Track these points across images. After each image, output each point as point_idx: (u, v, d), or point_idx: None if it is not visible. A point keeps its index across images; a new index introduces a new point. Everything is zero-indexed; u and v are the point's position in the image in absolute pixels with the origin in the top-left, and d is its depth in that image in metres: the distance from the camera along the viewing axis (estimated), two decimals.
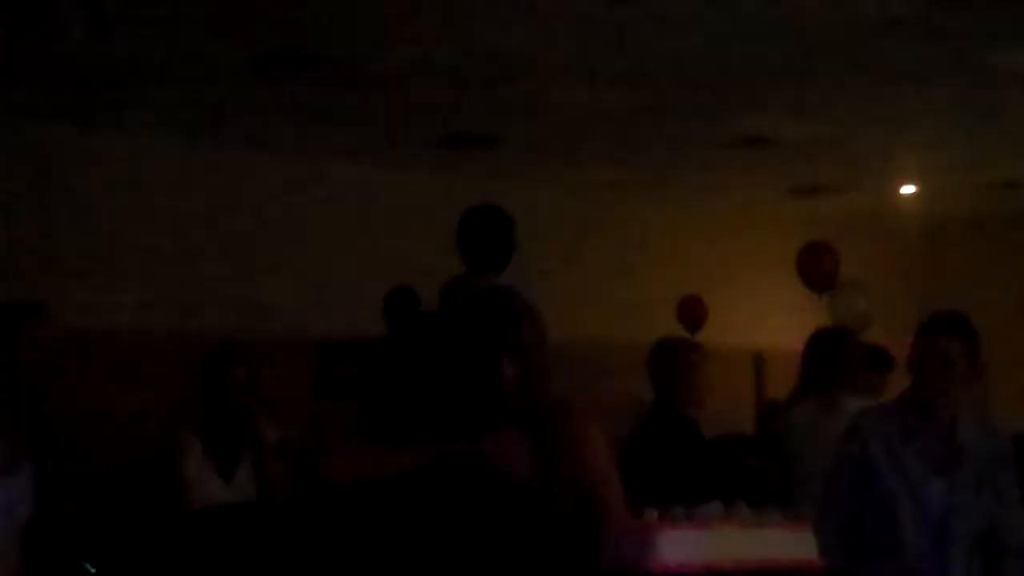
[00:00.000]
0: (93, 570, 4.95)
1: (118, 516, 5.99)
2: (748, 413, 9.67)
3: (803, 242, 8.57)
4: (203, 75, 6.61)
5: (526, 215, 7.06)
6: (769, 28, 5.97)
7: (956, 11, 5.65)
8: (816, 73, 6.77)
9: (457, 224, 5.99)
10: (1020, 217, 10.77)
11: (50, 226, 7.58)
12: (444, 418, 2.54)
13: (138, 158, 7.92)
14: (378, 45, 6.21)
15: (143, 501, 5.35)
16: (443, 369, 2.60)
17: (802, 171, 9.45)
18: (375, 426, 2.66)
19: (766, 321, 10.46)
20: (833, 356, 5.39)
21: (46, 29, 5.77)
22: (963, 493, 3.39)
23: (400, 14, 5.72)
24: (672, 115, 7.74)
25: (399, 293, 7.59)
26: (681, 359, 4.81)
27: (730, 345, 10.19)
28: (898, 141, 8.56)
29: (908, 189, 10.23)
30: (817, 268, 8.10)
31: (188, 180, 8.06)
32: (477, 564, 2.39)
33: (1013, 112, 7.61)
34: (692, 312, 9.68)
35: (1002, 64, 6.51)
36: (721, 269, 10.35)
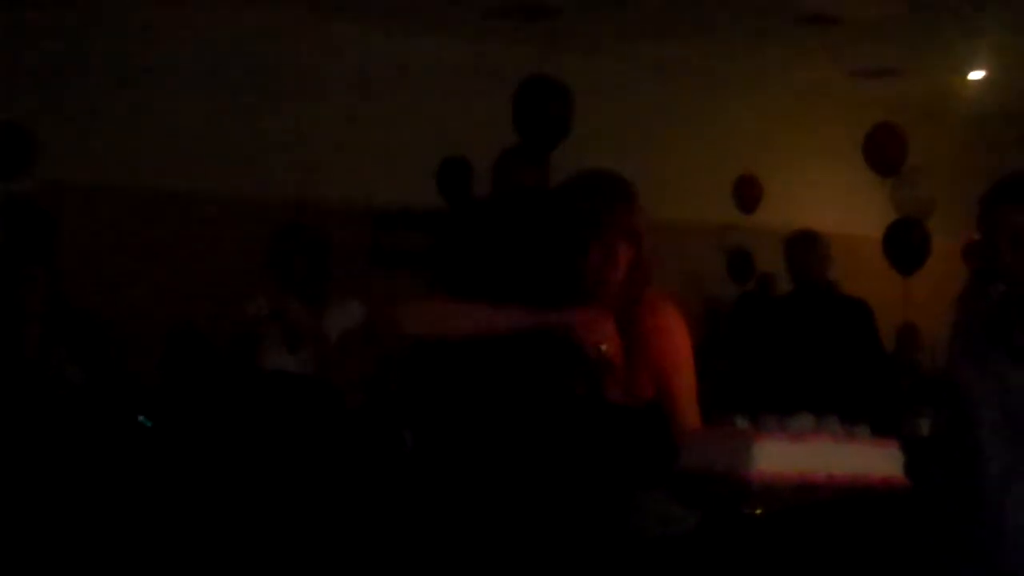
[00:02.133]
0: (149, 423, 5.09)
1: (172, 375, 6.14)
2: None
3: (864, 126, 8.43)
4: None
5: (578, 91, 7.00)
6: None
7: None
8: None
9: (513, 95, 5.93)
10: None
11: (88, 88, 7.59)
12: (537, 291, 2.48)
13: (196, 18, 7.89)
14: None
15: (197, 361, 5.45)
16: (546, 244, 2.51)
17: (868, 52, 9.23)
18: (457, 287, 2.62)
19: (825, 204, 10.34)
20: None
21: None
22: None
23: None
24: None
25: (452, 163, 7.58)
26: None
27: (783, 226, 10.12)
28: (968, 23, 8.32)
29: (976, 75, 9.97)
30: (885, 151, 7.99)
31: (240, 41, 8.01)
32: (553, 439, 2.42)
33: None
34: (747, 192, 9.60)
35: None
36: (779, 151, 10.21)
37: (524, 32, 8.43)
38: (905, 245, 8.17)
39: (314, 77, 8.23)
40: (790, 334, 5.50)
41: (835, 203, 10.29)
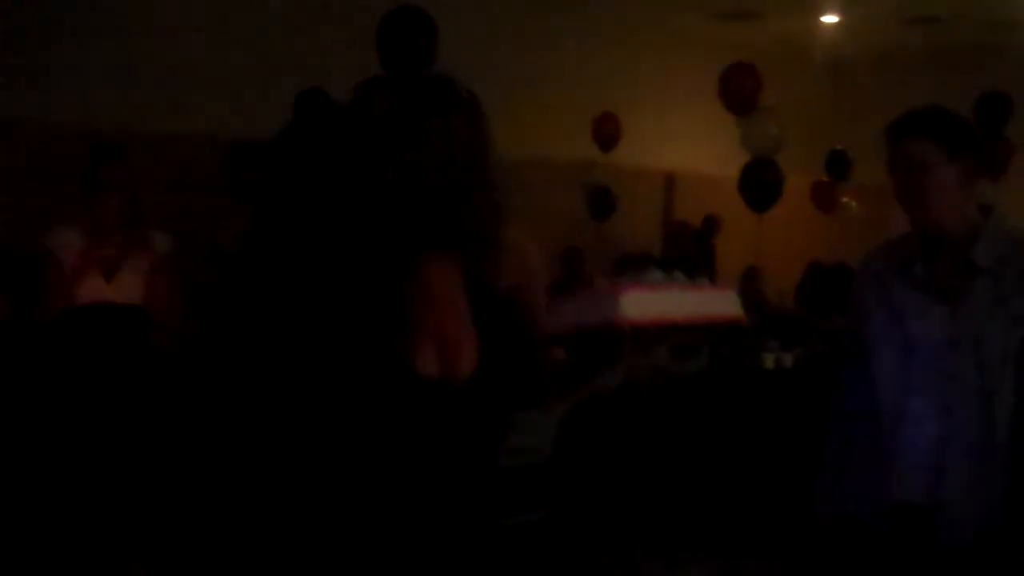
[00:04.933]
0: None
1: None
2: (656, 233, 9.80)
3: (722, 66, 8.56)
4: None
5: (441, 22, 6.92)
6: None
7: None
8: None
9: (378, 25, 5.82)
10: (937, 53, 10.84)
11: None
12: (356, 235, 2.03)
13: None
14: None
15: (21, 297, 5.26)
16: (353, 170, 2.03)
17: None
18: (271, 233, 2.19)
19: (679, 143, 10.51)
20: None
21: None
22: (970, 321, 2.68)
23: None
24: None
25: (310, 94, 7.44)
26: None
27: (642, 165, 10.27)
28: None
29: (830, 19, 10.21)
30: (739, 90, 8.13)
31: None
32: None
33: None
34: (607, 130, 9.69)
35: None
36: (640, 91, 10.31)
37: None
38: (759, 184, 8.37)
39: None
40: None
41: (693, 143, 10.47)
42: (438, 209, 1.97)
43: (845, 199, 10.74)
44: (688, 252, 9.11)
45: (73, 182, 4.59)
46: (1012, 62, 9.89)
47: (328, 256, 1.98)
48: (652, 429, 5.67)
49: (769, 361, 5.95)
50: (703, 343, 5.75)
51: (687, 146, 10.51)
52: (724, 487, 5.55)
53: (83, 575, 4.12)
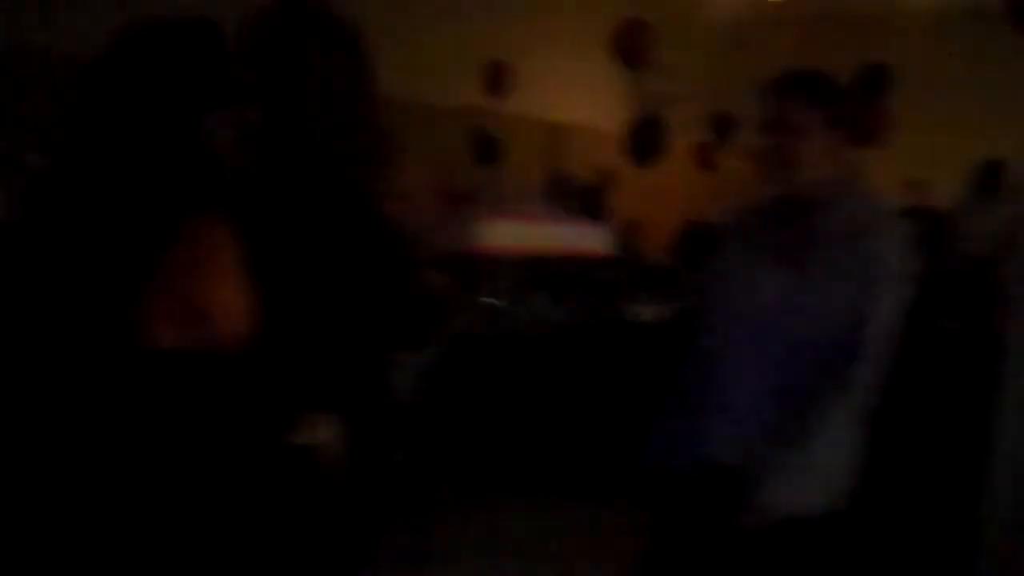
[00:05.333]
0: None
1: None
2: (541, 183, 9.80)
3: (615, 22, 8.54)
4: None
5: None
6: None
7: None
8: None
9: None
10: (826, 20, 11.00)
11: None
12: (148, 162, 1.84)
13: None
14: None
15: None
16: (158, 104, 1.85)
17: None
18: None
19: (568, 94, 10.49)
20: None
21: None
22: (808, 287, 2.59)
23: None
24: None
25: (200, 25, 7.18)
26: None
27: (530, 114, 10.23)
28: None
29: None
30: (631, 45, 8.12)
31: None
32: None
33: None
34: (496, 78, 9.61)
35: None
36: (531, 39, 10.23)
37: None
38: (645, 140, 8.41)
39: None
40: None
41: (582, 95, 10.46)
42: (213, 171, 1.85)
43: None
44: (573, 203, 9.16)
45: None
46: (898, 33, 10.09)
47: (91, 210, 1.82)
48: (521, 376, 5.69)
49: (638, 313, 5.99)
50: (576, 292, 5.79)
51: (576, 98, 10.49)
52: (585, 435, 5.61)
53: None
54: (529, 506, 5.27)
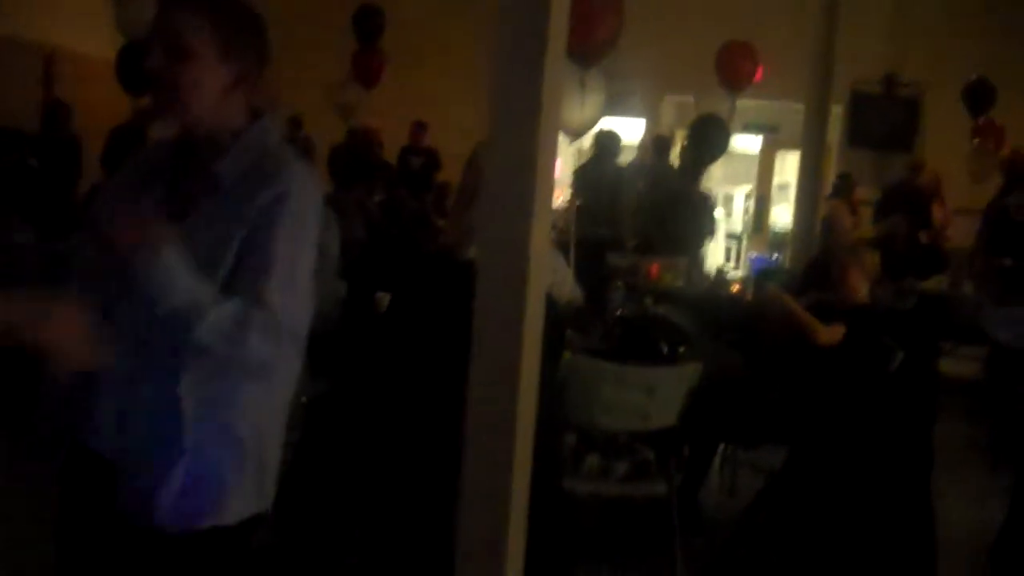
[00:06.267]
0: None
1: None
2: (33, 111, 9.37)
3: None
4: None
5: None
6: None
7: None
8: None
9: None
10: None
11: None
12: None
13: None
14: None
15: None
16: None
17: None
18: None
19: (58, 19, 10.06)
20: None
21: None
22: (190, 244, 2.03)
23: None
24: None
25: None
26: None
27: (21, 40, 9.71)
28: None
29: None
30: None
31: None
32: None
33: None
34: None
35: None
36: None
37: None
38: (134, 68, 8.21)
39: None
40: None
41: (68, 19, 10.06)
42: None
43: None
44: (64, 134, 8.82)
45: None
46: None
47: None
48: None
49: None
50: None
51: (66, 24, 10.09)
52: None
53: None
54: None
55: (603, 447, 4.18)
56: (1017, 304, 6.84)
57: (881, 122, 11.81)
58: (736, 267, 12.40)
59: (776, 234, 12.47)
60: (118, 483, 2.08)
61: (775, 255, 9.82)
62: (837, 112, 10.95)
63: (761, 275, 7.23)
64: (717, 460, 5.23)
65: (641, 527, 4.59)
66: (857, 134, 11.95)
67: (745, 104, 10.16)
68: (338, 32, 10.49)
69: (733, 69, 9.53)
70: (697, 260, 8.16)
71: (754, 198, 13.44)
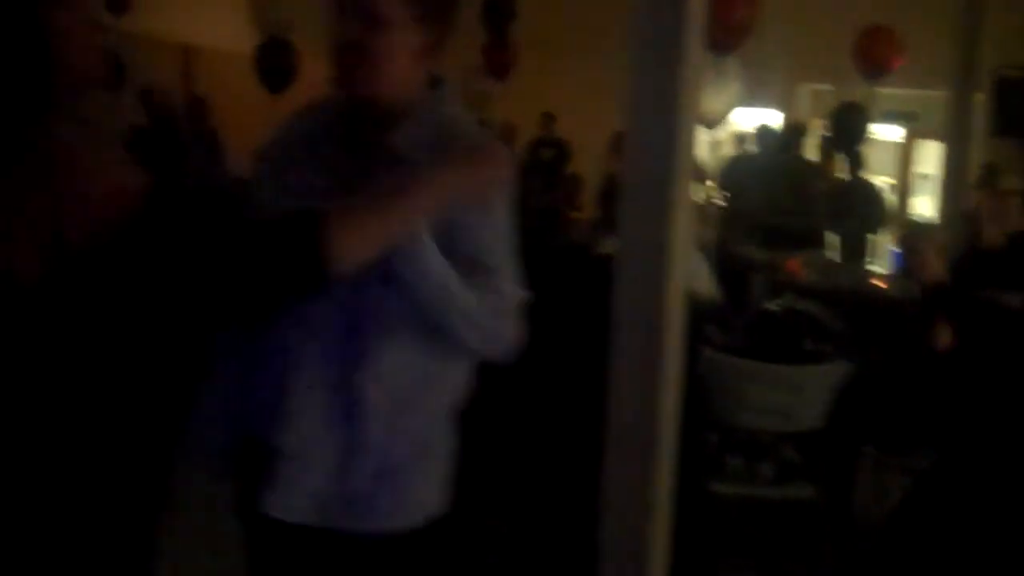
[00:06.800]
0: None
1: None
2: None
3: None
4: None
5: None
6: None
7: None
8: None
9: None
10: None
11: None
12: None
13: None
14: None
15: None
16: None
17: None
18: None
19: (197, 15, 10.24)
20: None
21: None
22: None
23: None
24: None
25: None
26: None
27: (157, 36, 9.91)
28: None
29: None
30: None
31: None
32: None
33: None
34: None
35: None
36: None
37: None
38: (273, 64, 8.33)
39: None
40: None
41: (208, 15, 10.23)
42: None
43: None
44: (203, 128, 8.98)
45: None
46: None
47: None
48: None
49: None
50: None
51: (206, 20, 10.26)
52: None
53: None
54: None
55: (746, 448, 4.08)
56: None
57: None
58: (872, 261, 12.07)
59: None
60: (299, 482, 2.01)
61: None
62: (979, 99, 10.56)
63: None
64: (867, 462, 5.07)
65: (788, 530, 4.48)
66: (1002, 122, 11.49)
67: (883, 92, 9.86)
68: (466, 20, 10.47)
69: (873, 56, 9.25)
70: (855, 251, 7.97)
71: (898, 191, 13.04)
